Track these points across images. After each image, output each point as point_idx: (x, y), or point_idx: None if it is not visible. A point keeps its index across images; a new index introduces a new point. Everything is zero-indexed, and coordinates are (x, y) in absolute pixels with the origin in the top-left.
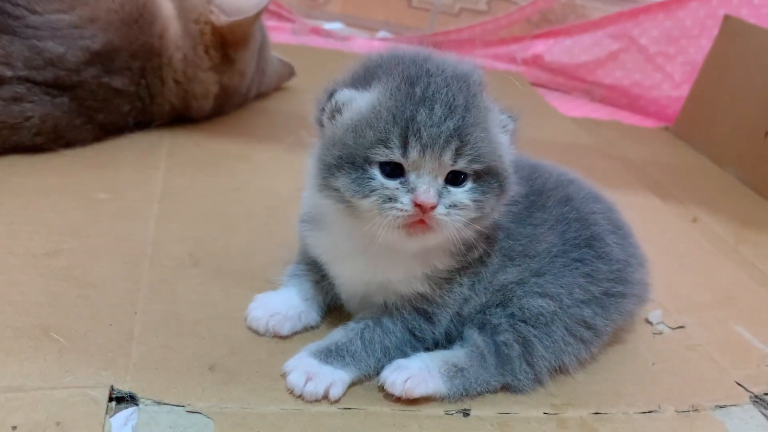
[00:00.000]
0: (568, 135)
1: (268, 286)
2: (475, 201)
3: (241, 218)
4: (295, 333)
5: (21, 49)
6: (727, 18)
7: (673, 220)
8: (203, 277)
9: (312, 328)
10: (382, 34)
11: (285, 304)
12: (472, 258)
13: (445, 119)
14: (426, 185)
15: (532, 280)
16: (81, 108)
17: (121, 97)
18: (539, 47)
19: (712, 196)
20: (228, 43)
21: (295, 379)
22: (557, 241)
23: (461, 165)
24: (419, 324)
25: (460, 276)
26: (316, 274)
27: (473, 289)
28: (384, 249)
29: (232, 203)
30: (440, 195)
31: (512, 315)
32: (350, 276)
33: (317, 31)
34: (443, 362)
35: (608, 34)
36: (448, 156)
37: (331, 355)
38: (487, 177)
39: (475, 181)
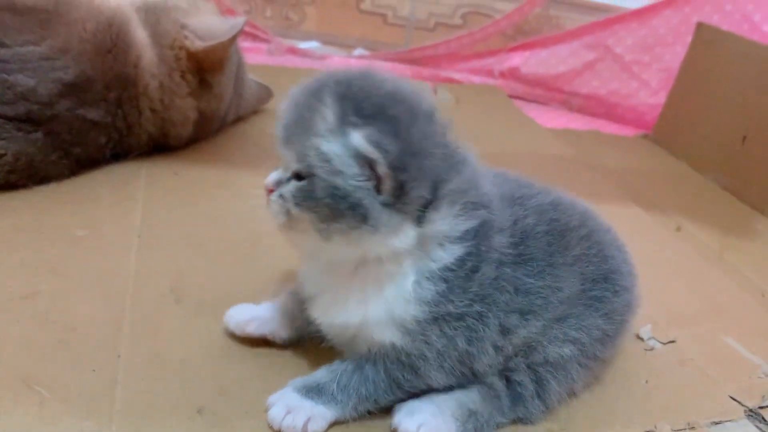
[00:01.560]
0: (548, 147)
1: None
2: (294, 197)
3: (222, 248)
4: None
5: None
6: (700, 25)
7: (657, 229)
8: (186, 314)
9: (291, 343)
10: (358, 51)
11: (264, 310)
12: (447, 311)
13: (285, 121)
14: (272, 174)
15: (554, 327)
16: (56, 143)
17: (98, 129)
18: (515, 60)
19: (694, 203)
20: (204, 68)
21: (275, 412)
22: (577, 282)
23: (293, 164)
24: (403, 375)
25: (441, 329)
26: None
27: (475, 346)
28: (339, 285)
29: (212, 233)
30: (278, 184)
31: (532, 360)
32: (319, 316)
33: (294, 51)
34: (458, 406)
35: (584, 45)
36: (286, 154)
37: (312, 391)
38: (315, 182)
39: (301, 180)
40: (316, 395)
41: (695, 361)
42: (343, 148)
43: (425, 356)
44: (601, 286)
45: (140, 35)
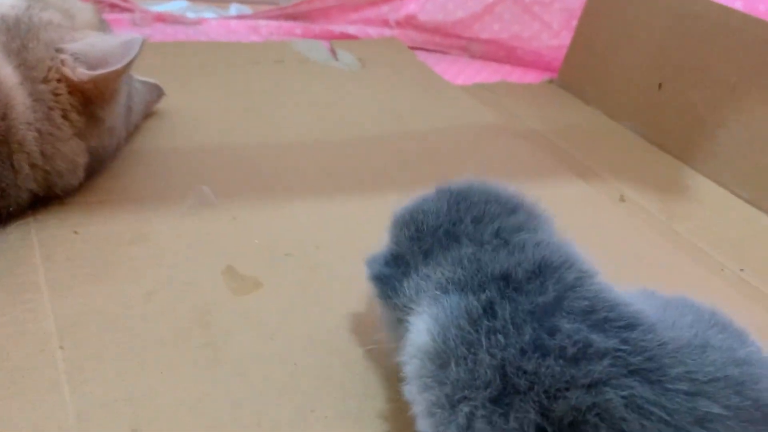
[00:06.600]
0: (469, 113)
1: None
2: None
3: (171, 344)
4: None
5: None
6: None
7: (600, 202)
8: None
9: None
10: (234, 8)
11: None
12: None
13: None
14: None
15: None
16: None
17: None
18: (411, 6)
19: (622, 159)
20: (92, 101)
21: None
22: None
23: None
24: None
25: None
26: None
27: None
28: None
29: (151, 321)
30: None
31: None
32: None
33: (163, 19)
34: None
35: None
36: None
37: None
38: None
39: None
40: None
41: None
42: None
43: None
44: None
45: (4, 74)
